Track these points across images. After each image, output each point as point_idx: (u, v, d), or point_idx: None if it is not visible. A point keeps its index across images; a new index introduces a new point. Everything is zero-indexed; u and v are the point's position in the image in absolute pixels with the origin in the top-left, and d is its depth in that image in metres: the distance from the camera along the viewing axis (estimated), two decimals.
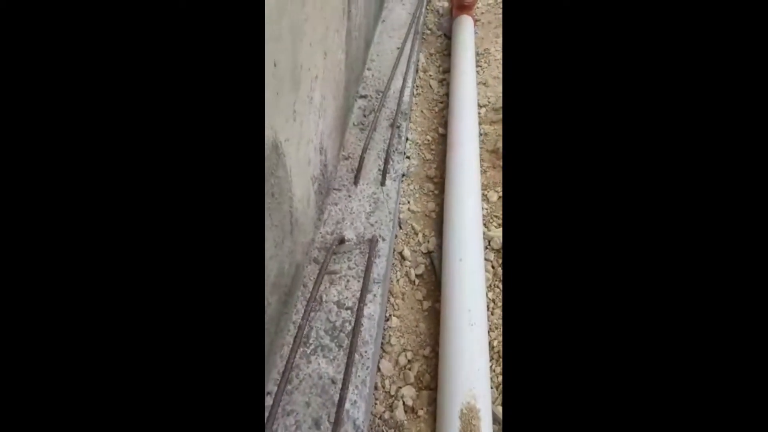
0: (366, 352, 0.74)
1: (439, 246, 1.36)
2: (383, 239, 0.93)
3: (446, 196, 1.43)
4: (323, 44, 0.78)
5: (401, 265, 1.31)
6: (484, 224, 1.43)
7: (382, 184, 1.05)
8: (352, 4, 1.02)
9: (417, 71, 1.95)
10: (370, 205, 1.00)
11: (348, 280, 0.85)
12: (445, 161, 1.54)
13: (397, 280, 1.26)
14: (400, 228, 1.40)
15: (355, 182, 1.04)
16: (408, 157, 1.65)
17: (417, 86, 1.91)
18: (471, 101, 1.68)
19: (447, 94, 1.84)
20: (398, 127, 1.19)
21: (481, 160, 1.62)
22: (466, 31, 1.93)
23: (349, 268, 0.87)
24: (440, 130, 1.77)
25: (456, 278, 1.14)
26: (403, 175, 1.58)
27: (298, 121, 0.69)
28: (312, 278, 0.83)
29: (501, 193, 1.57)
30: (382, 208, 1.00)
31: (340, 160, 1.10)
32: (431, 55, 2.07)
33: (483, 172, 1.61)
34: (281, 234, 0.67)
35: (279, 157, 0.61)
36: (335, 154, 1.05)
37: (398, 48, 1.45)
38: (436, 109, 1.85)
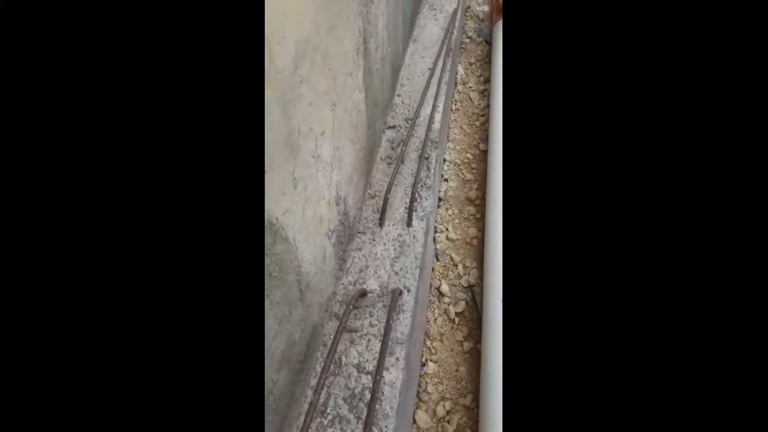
0: (387, 427, 0.69)
1: (482, 279, 1.26)
2: (408, 290, 0.87)
3: (487, 222, 1.32)
4: (329, 97, 0.75)
5: (439, 302, 1.23)
6: None
7: (409, 224, 0.99)
8: (369, 40, 0.98)
9: (456, 84, 1.85)
10: (395, 250, 0.95)
11: (369, 340, 0.80)
12: (486, 181, 1.43)
13: (435, 320, 1.19)
14: (438, 260, 1.33)
15: (380, 224, 0.99)
16: (446, 180, 1.57)
17: (455, 101, 1.81)
18: None
19: (488, 106, 1.72)
20: (427, 158, 1.12)
21: None
22: None
23: (371, 325, 0.82)
24: (481, 146, 1.66)
25: (499, 321, 1.04)
26: (440, 200, 1.50)
27: (301, 187, 0.65)
28: (332, 336, 0.79)
29: None
30: (408, 253, 0.94)
31: (366, 200, 1.06)
32: (471, 64, 1.96)
33: None
34: (286, 308, 0.64)
35: (276, 233, 0.58)
36: (359, 197, 1.01)
37: (429, 69, 1.38)
38: (477, 123, 1.74)
